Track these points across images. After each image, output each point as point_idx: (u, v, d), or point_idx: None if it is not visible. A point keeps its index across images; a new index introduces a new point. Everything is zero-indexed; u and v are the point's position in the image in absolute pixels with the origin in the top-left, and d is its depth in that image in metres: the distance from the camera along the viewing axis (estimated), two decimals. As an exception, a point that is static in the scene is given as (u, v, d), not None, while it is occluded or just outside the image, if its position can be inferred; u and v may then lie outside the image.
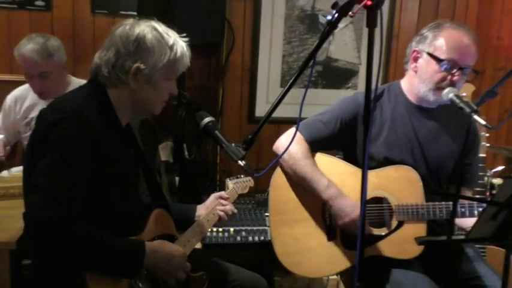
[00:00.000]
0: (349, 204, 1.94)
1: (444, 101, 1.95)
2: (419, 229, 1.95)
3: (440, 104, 2.02)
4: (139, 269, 1.47)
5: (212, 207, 1.94)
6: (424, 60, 1.98)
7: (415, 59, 2.02)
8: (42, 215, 1.33)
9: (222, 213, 1.94)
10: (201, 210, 1.94)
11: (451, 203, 1.90)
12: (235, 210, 1.99)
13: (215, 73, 3.24)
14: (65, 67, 2.61)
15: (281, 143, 2.07)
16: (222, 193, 2.00)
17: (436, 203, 1.93)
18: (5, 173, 2.46)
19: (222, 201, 1.96)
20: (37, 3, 2.96)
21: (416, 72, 2.02)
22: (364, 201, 1.37)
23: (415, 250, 1.93)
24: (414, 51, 2.02)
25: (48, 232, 1.33)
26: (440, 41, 1.93)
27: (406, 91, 2.08)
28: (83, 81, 1.73)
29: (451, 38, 1.93)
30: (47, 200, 1.35)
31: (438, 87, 1.94)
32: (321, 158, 2.08)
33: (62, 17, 3.00)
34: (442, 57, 1.92)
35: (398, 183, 1.98)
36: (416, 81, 2.01)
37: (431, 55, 1.95)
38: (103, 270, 1.43)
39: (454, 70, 1.92)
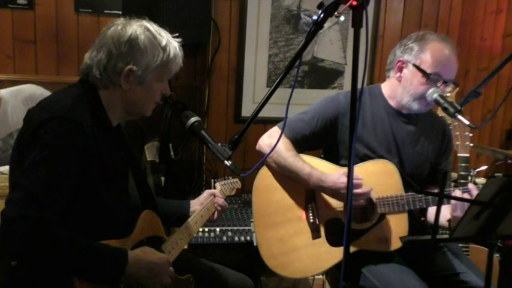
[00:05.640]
0: (336, 178, 1.96)
1: (426, 109, 2.02)
2: (401, 220, 1.99)
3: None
4: (120, 277, 1.43)
5: (206, 203, 1.93)
6: (409, 71, 2.02)
7: (400, 69, 2.05)
8: (20, 213, 1.30)
9: (219, 208, 1.95)
10: (195, 205, 1.93)
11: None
12: (227, 205, 2.01)
13: (201, 73, 3.23)
14: None
15: (263, 142, 2.10)
16: (216, 191, 1.99)
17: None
18: None
19: (217, 198, 1.96)
20: (19, 1, 2.91)
21: (400, 81, 2.05)
22: (351, 198, 1.37)
23: (399, 242, 1.96)
24: (399, 61, 2.05)
25: (24, 231, 1.29)
26: (427, 55, 1.98)
27: (387, 96, 2.12)
28: None
29: (437, 53, 1.98)
30: (27, 199, 1.32)
31: (422, 97, 1.99)
32: (302, 157, 2.08)
33: (44, 16, 2.96)
34: (428, 71, 1.97)
35: (377, 177, 2.01)
36: (400, 90, 2.05)
37: (417, 67, 1.99)
38: (82, 276, 1.39)
39: (439, 84, 1.97)
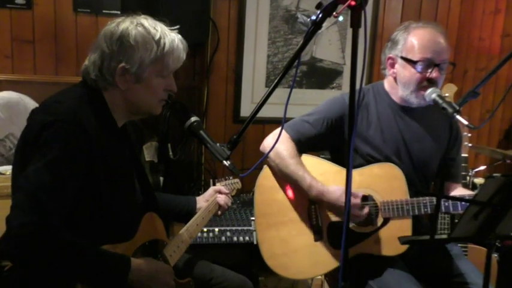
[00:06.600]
0: (336, 197, 1.94)
1: (426, 103, 1.98)
2: (405, 225, 1.97)
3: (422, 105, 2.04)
4: (123, 284, 1.42)
5: (212, 199, 1.93)
6: (400, 65, 2.01)
7: (392, 66, 2.05)
8: (24, 220, 1.28)
9: (222, 202, 1.95)
10: (201, 202, 1.93)
11: (435, 198, 1.94)
12: (230, 200, 2.01)
13: (200, 73, 3.22)
14: None
15: (267, 143, 2.07)
16: (221, 187, 1.99)
17: (421, 198, 1.96)
18: None
19: (220, 196, 1.96)
20: (17, 1, 2.91)
21: (395, 78, 2.05)
22: (349, 200, 1.37)
23: (401, 246, 1.94)
24: (389, 58, 2.05)
25: (28, 236, 1.28)
26: (411, 43, 1.96)
27: (389, 92, 2.10)
28: None
29: (420, 38, 1.96)
30: (31, 204, 1.30)
31: (419, 88, 1.96)
32: (305, 158, 2.08)
33: (43, 16, 2.95)
34: (415, 58, 1.95)
35: (382, 181, 2.00)
36: (398, 86, 2.04)
37: (405, 59, 1.97)
38: (85, 282, 1.39)
39: (430, 69, 1.94)
